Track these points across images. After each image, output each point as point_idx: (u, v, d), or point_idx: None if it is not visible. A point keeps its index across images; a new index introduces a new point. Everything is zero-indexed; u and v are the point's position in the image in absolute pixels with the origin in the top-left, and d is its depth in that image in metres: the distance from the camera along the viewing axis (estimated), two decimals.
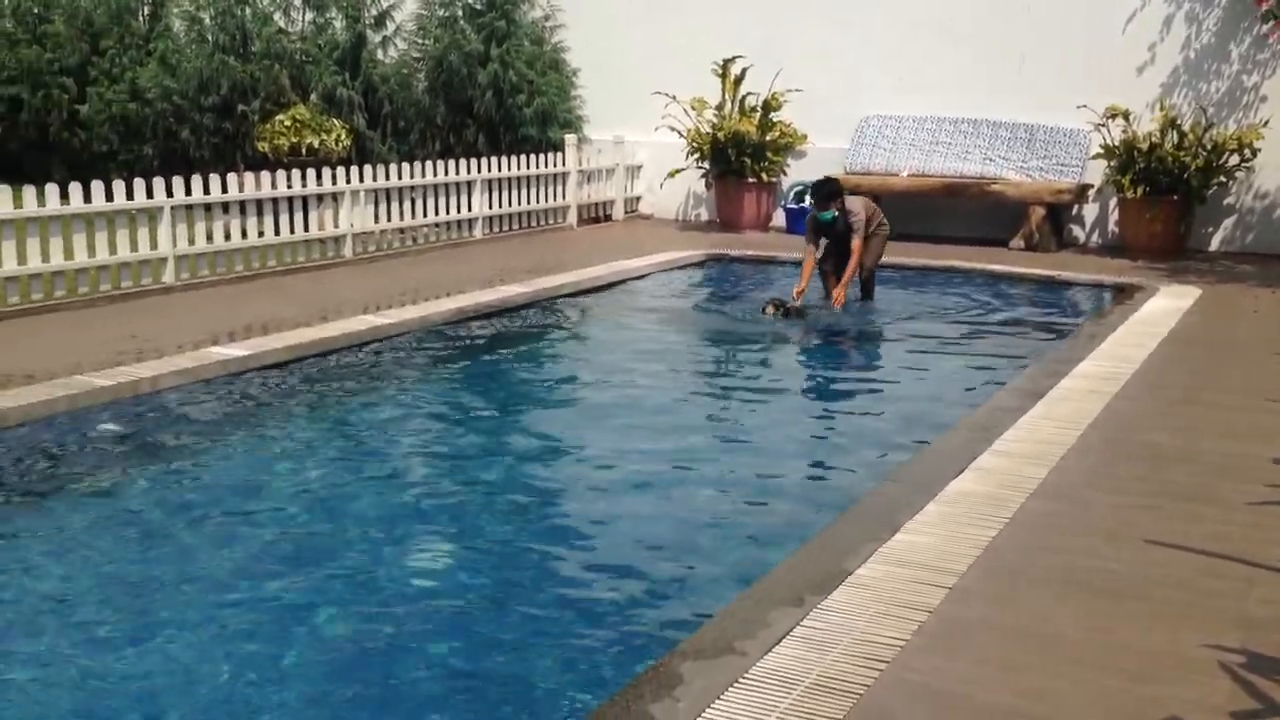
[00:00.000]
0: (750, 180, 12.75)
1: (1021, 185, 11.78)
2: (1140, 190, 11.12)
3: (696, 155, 12.97)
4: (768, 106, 12.69)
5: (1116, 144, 11.30)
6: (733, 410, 6.68)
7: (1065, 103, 11.56)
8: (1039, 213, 11.57)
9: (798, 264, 11.05)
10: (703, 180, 13.30)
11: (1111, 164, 11.38)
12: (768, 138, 12.67)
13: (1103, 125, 11.38)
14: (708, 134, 12.79)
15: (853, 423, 6.33)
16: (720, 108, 12.90)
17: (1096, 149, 11.54)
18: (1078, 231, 12.25)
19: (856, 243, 9.10)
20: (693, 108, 12.88)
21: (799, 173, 12.99)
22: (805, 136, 12.92)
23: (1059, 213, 11.89)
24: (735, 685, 3.24)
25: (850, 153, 12.66)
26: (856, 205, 9.23)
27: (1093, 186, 11.87)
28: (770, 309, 8.75)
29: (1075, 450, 5.28)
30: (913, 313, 9.16)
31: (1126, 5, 11.70)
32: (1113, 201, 11.84)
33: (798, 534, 4.56)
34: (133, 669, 3.63)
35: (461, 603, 4.14)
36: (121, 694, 3.49)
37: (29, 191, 8.27)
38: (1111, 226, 12.00)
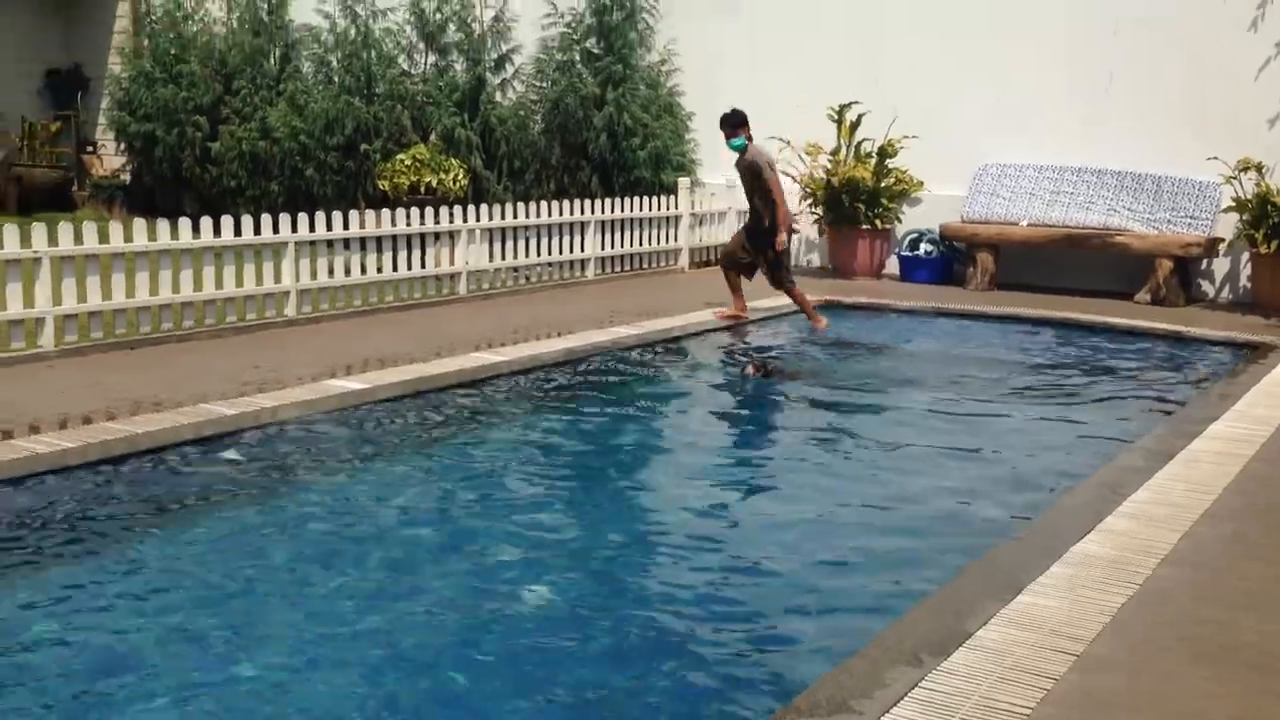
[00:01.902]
0: (864, 227, 12.62)
1: (1148, 237, 11.45)
2: (1274, 245, 10.71)
3: (810, 201, 12.90)
4: (884, 153, 12.57)
5: (1249, 197, 10.93)
6: (844, 459, 6.55)
7: (1195, 154, 11.22)
8: (1166, 266, 11.22)
9: (911, 313, 10.97)
10: (815, 226, 13.21)
11: (1244, 218, 10.99)
12: (883, 184, 12.55)
13: (1234, 178, 11.03)
14: (822, 179, 12.72)
15: (966, 478, 6.15)
16: (835, 153, 12.83)
17: (1228, 202, 11.17)
18: (1206, 286, 11.84)
19: (771, 177, 9.55)
20: (807, 153, 12.83)
21: (914, 220, 12.84)
22: (921, 183, 12.77)
23: (1187, 266, 11.52)
24: None
25: (968, 200, 12.46)
26: (759, 153, 9.68)
27: (1223, 240, 11.48)
28: (751, 369, 8.38)
29: (1209, 515, 5.05)
30: (1029, 365, 8.94)
31: (1258, 55, 11.33)
32: (1244, 256, 11.43)
33: (913, 592, 4.43)
34: (243, 689, 3.66)
35: (566, 643, 4.10)
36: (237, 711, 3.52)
37: (163, 225, 8.56)
38: (1243, 282, 11.58)
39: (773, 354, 9.06)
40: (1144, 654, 3.76)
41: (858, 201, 12.48)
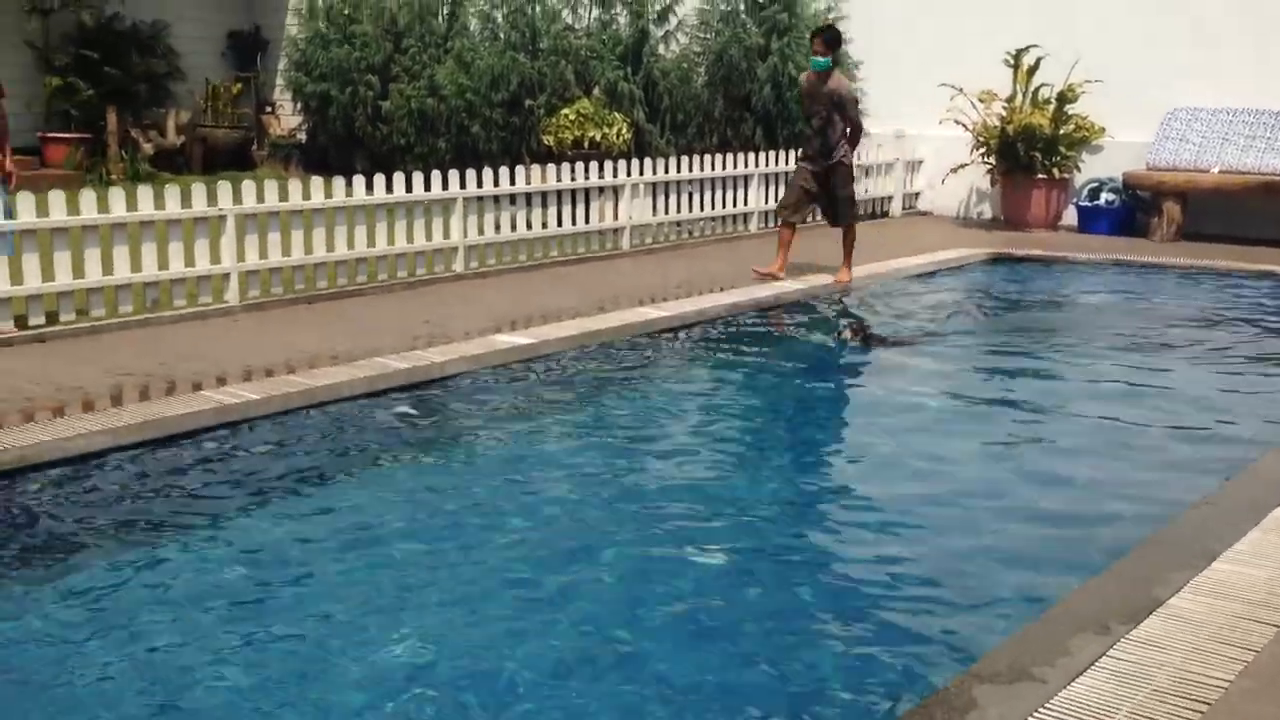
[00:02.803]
0: (1040, 176, 12.13)
1: None
2: None
3: (982, 150, 12.45)
4: (1063, 98, 12.03)
5: None
6: (1017, 421, 6.32)
7: None
8: None
9: (1091, 266, 10.51)
10: (988, 176, 12.76)
11: None
12: (1061, 131, 12.02)
13: None
14: (996, 128, 12.26)
15: (1154, 437, 5.86)
16: (1010, 100, 12.34)
17: None
18: None
19: (857, 115, 9.31)
20: (980, 100, 12.37)
21: (1094, 169, 12.29)
22: (1102, 130, 12.18)
23: None
24: (1034, 715, 3.03)
25: (1154, 147, 11.83)
26: (845, 86, 9.24)
27: None
28: (849, 333, 7.68)
29: None
30: (1217, 320, 8.46)
31: None
32: None
33: (1098, 559, 4.23)
34: (421, 641, 3.73)
35: (734, 607, 4.06)
36: (385, 670, 3.60)
37: (338, 182, 8.78)
38: None
39: (869, 318, 8.42)
40: None
41: (1034, 150, 11.99)
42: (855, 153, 9.68)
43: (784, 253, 9.48)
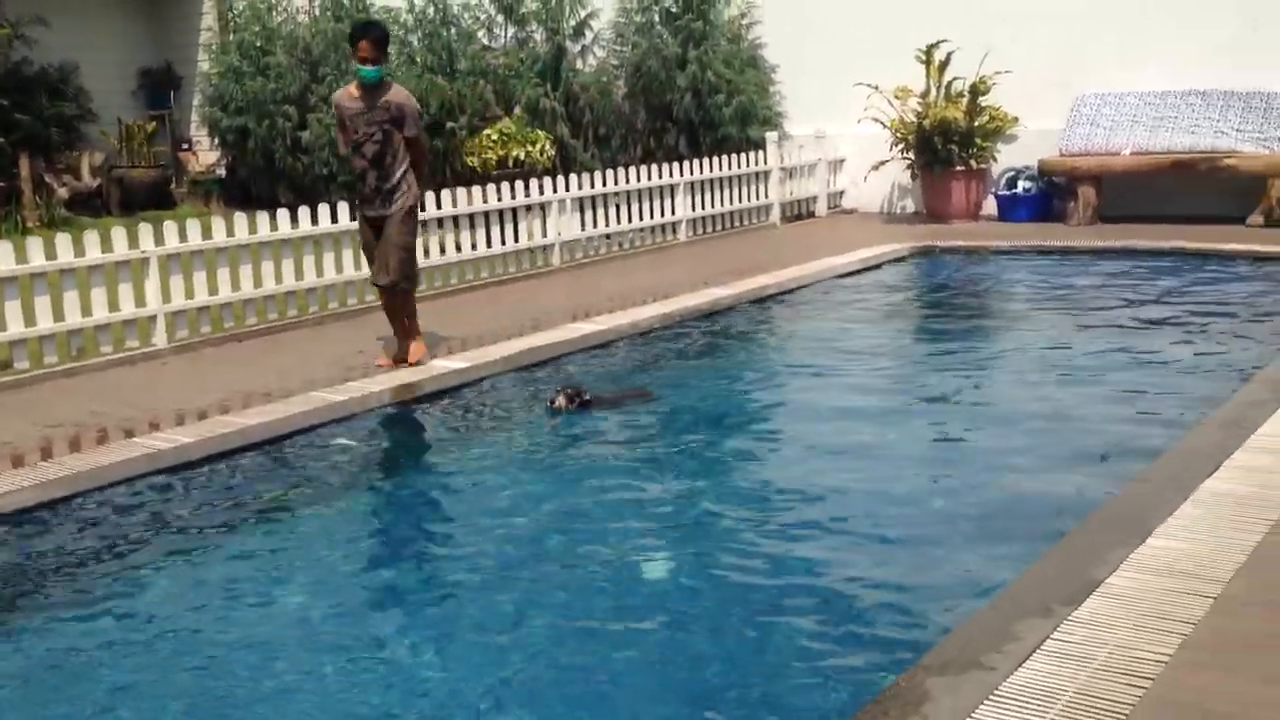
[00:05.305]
0: (958, 169, 12.34)
1: (1259, 158, 10.98)
2: None
3: (901, 146, 12.63)
4: (975, 91, 12.24)
5: None
6: (949, 410, 6.43)
7: None
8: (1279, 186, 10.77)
9: (1012, 253, 10.72)
10: (908, 171, 12.95)
11: None
12: (976, 123, 12.23)
13: None
14: (913, 123, 12.45)
15: (1085, 418, 5.99)
16: (925, 95, 12.53)
17: None
18: None
19: (422, 135, 7.19)
20: (896, 97, 12.55)
21: (1011, 157, 12.50)
22: (1016, 119, 12.41)
23: None
24: (986, 702, 3.09)
25: (1066, 133, 12.08)
26: (407, 96, 7.18)
27: None
28: (563, 401, 6.39)
29: None
30: (1145, 298, 8.66)
31: None
32: None
33: (1037, 541, 4.31)
34: (357, 674, 3.72)
35: (686, 612, 4.09)
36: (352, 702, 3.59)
37: (261, 217, 8.69)
38: None
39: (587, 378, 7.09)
40: None
41: (950, 143, 12.19)
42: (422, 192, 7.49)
43: (399, 326, 7.39)
